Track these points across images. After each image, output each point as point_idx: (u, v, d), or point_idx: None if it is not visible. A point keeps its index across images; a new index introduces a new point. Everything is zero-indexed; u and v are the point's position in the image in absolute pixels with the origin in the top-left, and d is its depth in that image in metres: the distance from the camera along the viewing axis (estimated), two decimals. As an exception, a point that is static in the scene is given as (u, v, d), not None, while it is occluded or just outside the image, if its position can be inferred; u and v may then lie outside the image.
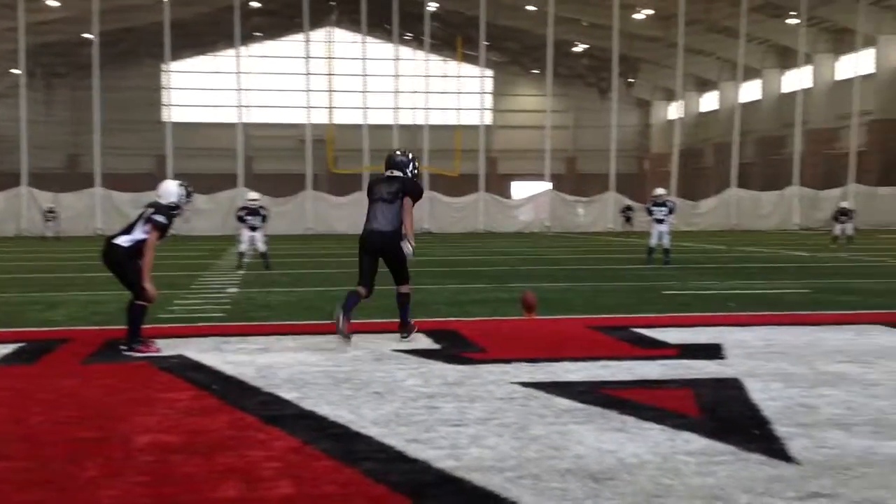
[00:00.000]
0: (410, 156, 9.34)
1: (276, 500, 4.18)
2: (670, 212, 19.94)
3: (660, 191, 20.87)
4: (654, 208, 19.99)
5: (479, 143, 45.97)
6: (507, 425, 5.53)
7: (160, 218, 8.53)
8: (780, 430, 5.36)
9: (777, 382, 6.74)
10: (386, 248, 9.08)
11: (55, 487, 4.37)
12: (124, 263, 8.47)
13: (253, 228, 19.61)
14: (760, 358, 7.77)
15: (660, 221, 19.79)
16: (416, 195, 9.10)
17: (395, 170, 9.19)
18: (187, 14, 52.04)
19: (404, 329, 9.11)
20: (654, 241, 19.98)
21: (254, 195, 20.99)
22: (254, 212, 19.75)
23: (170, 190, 8.95)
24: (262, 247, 19.37)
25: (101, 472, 4.62)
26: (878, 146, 49.07)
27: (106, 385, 6.80)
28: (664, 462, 4.73)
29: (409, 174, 9.18)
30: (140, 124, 62.45)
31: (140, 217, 8.62)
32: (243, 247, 19.62)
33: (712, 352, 8.10)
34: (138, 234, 8.48)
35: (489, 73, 65.65)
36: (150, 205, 8.75)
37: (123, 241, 8.49)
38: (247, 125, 58.14)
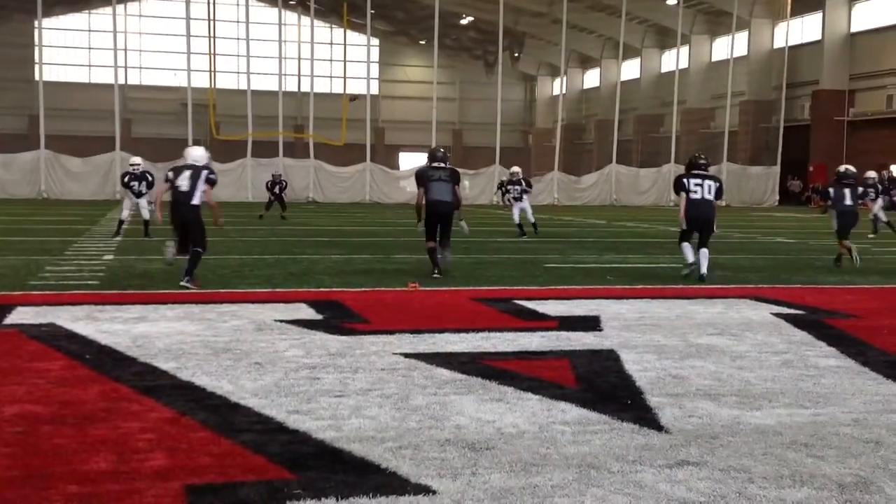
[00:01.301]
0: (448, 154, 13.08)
1: (149, 472, 4.09)
2: (525, 189, 20.32)
3: (515, 169, 21.31)
4: (510, 187, 20.36)
5: (366, 113, 45.63)
6: (389, 396, 5.55)
7: (215, 177, 11.04)
8: (652, 400, 5.55)
9: (650, 354, 6.96)
10: (449, 213, 12.57)
11: (-87, 462, 4.17)
12: (199, 219, 10.79)
13: (139, 195, 18.75)
14: (635, 330, 8.01)
15: (517, 199, 20.15)
16: (459, 181, 12.88)
17: (441, 162, 12.68)
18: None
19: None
20: (516, 219, 20.32)
21: (136, 160, 19.97)
22: (138, 177, 18.81)
23: (203, 154, 11.22)
24: (145, 213, 18.51)
25: (-36, 445, 4.43)
26: (748, 126, 51.00)
27: (-30, 354, 6.51)
28: (541, 431, 4.84)
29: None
30: (11, 82, 59.69)
31: (195, 179, 10.69)
32: (125, 213, 18.84)
33: (590, 324, 8.31)
34: (199, 193, 10.70)
35: (375, 42, 65.19)
36: (193, 168, 10.83)
37: (196, 201, 10.70)
38: (125, 87, 56.29)
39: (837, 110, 46.82)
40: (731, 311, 9.28)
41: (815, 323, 8.52)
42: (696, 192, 12.25)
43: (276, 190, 27.36)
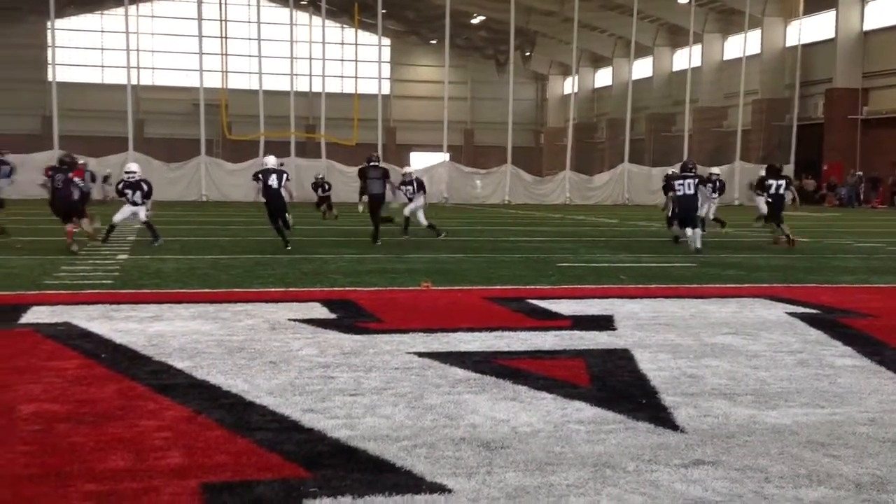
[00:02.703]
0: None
1: (166, 469, 4.11)
2: (418, 189, 20.08)
3: (407, 170, 21.07)
4: (402, 187, 20.07)
5: (378, 113, 45.65)
6: (403, 395, 5.56)
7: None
8: (667, 399, 5.54)
9: (665, 353, 6.95)
10: (379, 202, 17.91)
11: (-68, 460, 4.20)
12: (284, 205, 16.44)
13: (134, 204, 17.04)
14: (649, 329, 7.99)
15: (410, 199, 19.95)
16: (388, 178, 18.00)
17: (375, 163, 17.88)
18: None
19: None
20: (422, 219, 19.85)
21: (132, 167, 17.63)
22: (132, 185, 17.07)
23: (273, 159, 17.21)
24: (142, 217, 17.09)
25: (-18, 443, 4.46)
26: (761, 125, 50.82)
27: (-13, 353, 6.55)
28: (556, 431, 4.83)
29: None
30: (24, 83, 59.96)
31: (281, 175, 16.41)
32: (118, 217, 17.16)
33: (604, 323, 8.29)
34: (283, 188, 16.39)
35: (387, 41, 65.24)
36: (273, 169, 16.56)
37: (284, 193, 16.42)
38: (137, 87, 56.50)
39: (851, 109, 46.57)
40: (746, 310, 9.25)
41: (831, 322, 8.48)
42: (679, 189, 16.40)
43: (320, 192, 28.10)
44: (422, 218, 19.86)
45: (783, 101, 49.92)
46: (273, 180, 16.31)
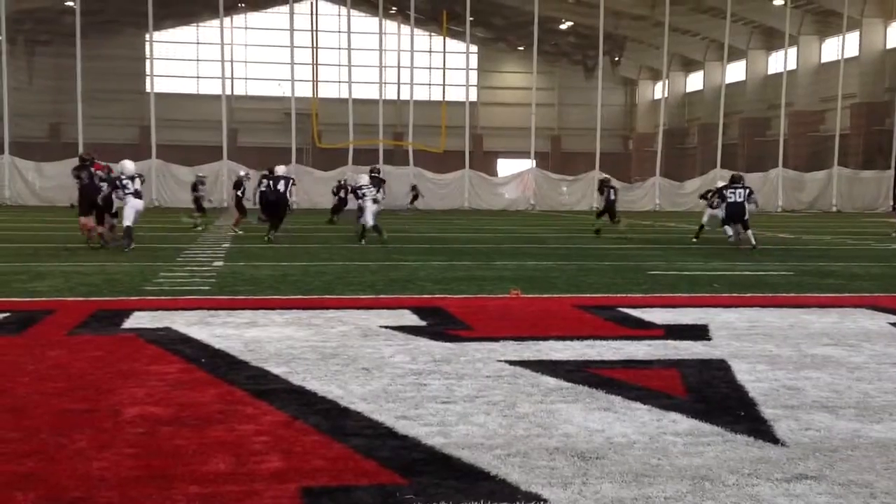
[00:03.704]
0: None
1: (266, 474, 4.19)
2: (378, 191, 21.17)
3: (363, 177, 22.30)
4: (360, 191, 20.72)
5: (465, 120, 45.80)
6: (495, 403, 5.55)
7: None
8: (767, 411, 5.41)
9: (763, 364, 6.79)
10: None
11: (44, 458, 4.36)
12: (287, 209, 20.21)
13: (137, 196, 17.25)
14: (746, 339, 7.83)
15: (375, 202, 20.54)
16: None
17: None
18: (171, -17, 51.49)
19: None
20: (369, 221, 20.08)
21: (129, 167, 17.84)
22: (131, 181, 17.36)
23: (283, 168, 21.24)
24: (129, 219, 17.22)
25: (91, 443, 4.61)
26: (860, 129, 49.31)
27: (93, 357, 6.78)
28: (652, 442, 4.77)
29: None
30: (123, 94, 61.86)
31: (288, 181, 20.20)
32: (128, 219, 17.16)
33: (698, 333, 8.16)
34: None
35: (474, 49, 65.38)
36: (282, 176, 20.34)
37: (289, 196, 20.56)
38: (231, 97, 57.81)
39: (954, 112, 44.91)
40: (847, 320, 8.99)
41: (937, 333, 8.18)
42: (730, 196, 19.61)
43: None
44: (370, 219, 20.10)
45: (883, 105, 48.36)
46: (281, 185, 19.90)
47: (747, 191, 19.79)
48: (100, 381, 6.02)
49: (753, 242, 19.23)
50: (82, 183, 17.18)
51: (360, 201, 20.69)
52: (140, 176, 17.95)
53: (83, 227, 17.12)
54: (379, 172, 26.41)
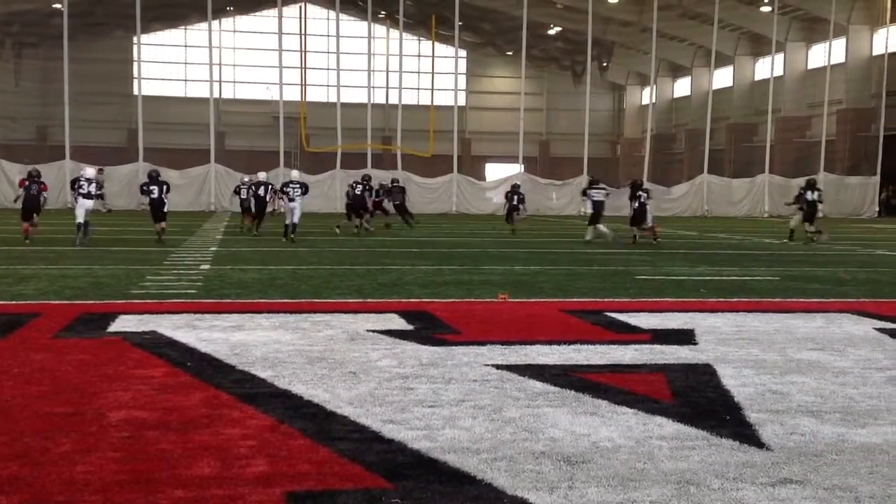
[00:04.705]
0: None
1: (252, 478, 4.18)
2: (304, 192, 22.74)
3: (294, 174, 25.22)
4: (287, 188, 22.94)
5: (453, 124, 45.82)
6: (482, 407, 5.56)
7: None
8: (752, 416, 5.43)
9: (748, 369, 6.82)
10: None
11: (29, 462, 4.34)
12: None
13: (88, 197, 20.02)
14: (732, 344, 7.85)
15: (291, 200, 22.29)
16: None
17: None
18: (159, -14, 51.35)
19: None
20: (288, 220, 22.12)
21: (89, 173, 20.97)
22: (88, 184, 20.00)
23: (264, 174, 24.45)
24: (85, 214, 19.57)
25: (75, 447, 4.60)
26: (846, 135, 49.56)
27: (78, 360, 6.75)
28: (637, 446, 4.78)
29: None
30: (111, 97, 61.70)
31: (268, 186, 23.55)
32: (79, 215, 19.52)
33: (684, 337, 8.18)
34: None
35: (463, 53, 65.45)
36: (263, 182, 23.99)
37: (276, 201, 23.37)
38: (219, 100, 57.70)
39: (940, 118, 45.19)
40: (832, 325, 9.03)
41: (921, 338, 8.22)
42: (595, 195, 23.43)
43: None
44: (297, 217, 22.28)
45: (869, 111, 48.63)
46: (261, 190, 23.79)
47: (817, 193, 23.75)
48: (85, 384, 6.00)
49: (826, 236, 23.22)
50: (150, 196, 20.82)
51: (285, 199, 22.64)
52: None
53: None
54: (397, 181, 31.14)
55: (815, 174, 45.14)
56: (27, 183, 19.80)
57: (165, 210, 20.64)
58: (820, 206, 24.21)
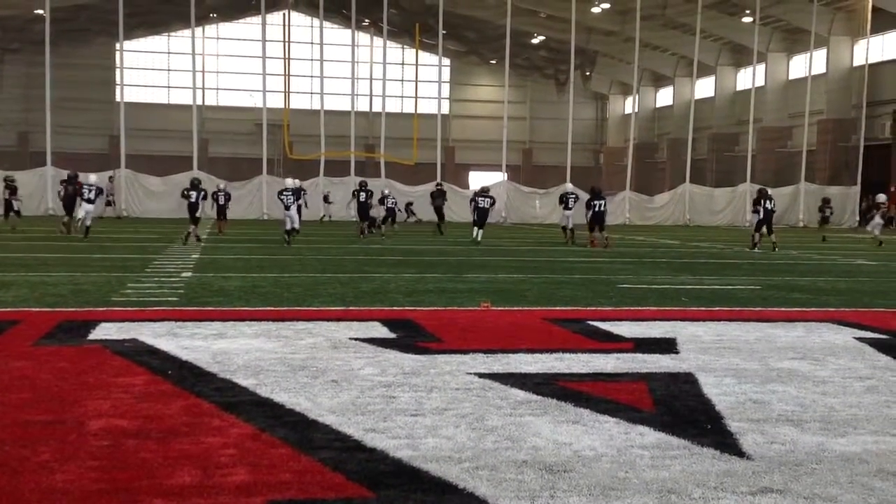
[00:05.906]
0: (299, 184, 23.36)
1: (233, 486, 4.16)
2: (297, 199, 23.94)
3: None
4: (217, 194, 26.88)
5: (437, 132, 45.89)
6: (464, 416, 5.55)
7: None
8: (733, 425, 5.45)
9: (730, 378, 6.84)
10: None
11: (7, 471, 4.30)
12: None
13: (89, 202, 23.13)
14: (713, 353, 7.88)
15: (287, 208, 23.41)
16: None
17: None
18: (142, -8, 51.24)
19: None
20: (287, 226, 23.15)
21: (91, 178, 24.49)
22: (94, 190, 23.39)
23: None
24: (88, 218, 22.83)
25: (54, 455, 4.56)
26: (827, 145, 49.94)
27: (58, 368, 6.71)
28: (619, 455, 4.79)
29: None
30: (93, 103, 61.51)
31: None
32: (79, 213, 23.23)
33: (666, 346, 8.20)
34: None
35: (447, 62, 65.60)
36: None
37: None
38: (202, 107, 57.57)
39: (919, 129, 45.58)
40: (813, 334, 9.08)
41: (901, 348, 8.28)
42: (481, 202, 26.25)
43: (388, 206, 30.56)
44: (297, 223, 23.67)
45: (849, 122, 49.05)
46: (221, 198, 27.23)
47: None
48: (65, 392, 5.95)
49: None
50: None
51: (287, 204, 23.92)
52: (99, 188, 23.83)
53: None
54: (441, 185, 35.41)
55: (797, 184, 45.56)
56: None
57: (198, 215, 23.08)
58: (774, 215, 24.86)
